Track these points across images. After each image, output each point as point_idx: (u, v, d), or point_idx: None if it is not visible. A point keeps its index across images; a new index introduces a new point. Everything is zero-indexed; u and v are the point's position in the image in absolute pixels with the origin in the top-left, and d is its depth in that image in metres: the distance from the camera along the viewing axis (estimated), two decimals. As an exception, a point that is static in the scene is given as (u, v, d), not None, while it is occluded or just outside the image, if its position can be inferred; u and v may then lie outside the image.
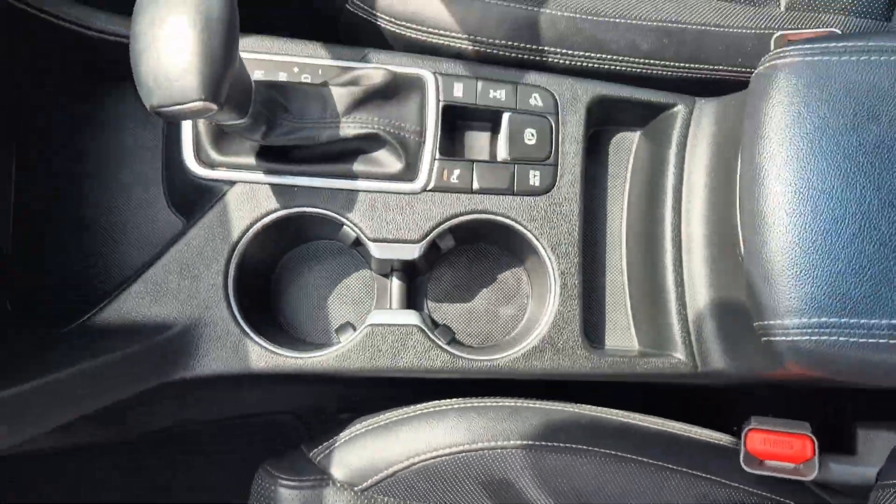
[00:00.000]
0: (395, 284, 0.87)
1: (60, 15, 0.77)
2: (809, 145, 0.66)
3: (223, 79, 0.59)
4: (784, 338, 0.66)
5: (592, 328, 0.93)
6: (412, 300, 0.90)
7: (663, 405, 0.98)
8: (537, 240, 0.85)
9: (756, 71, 0.73)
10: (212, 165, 0.80)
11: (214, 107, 0.59)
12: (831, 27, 0.97)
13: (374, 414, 0.86)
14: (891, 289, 0.63)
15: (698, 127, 0.88)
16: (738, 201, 0.73)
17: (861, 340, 0.64)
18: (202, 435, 1.23)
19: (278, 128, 0.75)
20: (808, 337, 0.65)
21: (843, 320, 0.64)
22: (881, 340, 0.63)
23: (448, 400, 0.85)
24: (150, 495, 1.21)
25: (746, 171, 0.71)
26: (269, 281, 0.90)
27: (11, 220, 0.84)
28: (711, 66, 0.91)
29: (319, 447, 0.83)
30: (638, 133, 0.95)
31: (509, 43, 0.87)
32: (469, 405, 0.84)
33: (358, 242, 0.83)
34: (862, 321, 0.64)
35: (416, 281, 0.91)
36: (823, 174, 0.65)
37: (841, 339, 0.64)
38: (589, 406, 0.86)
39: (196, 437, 1.23)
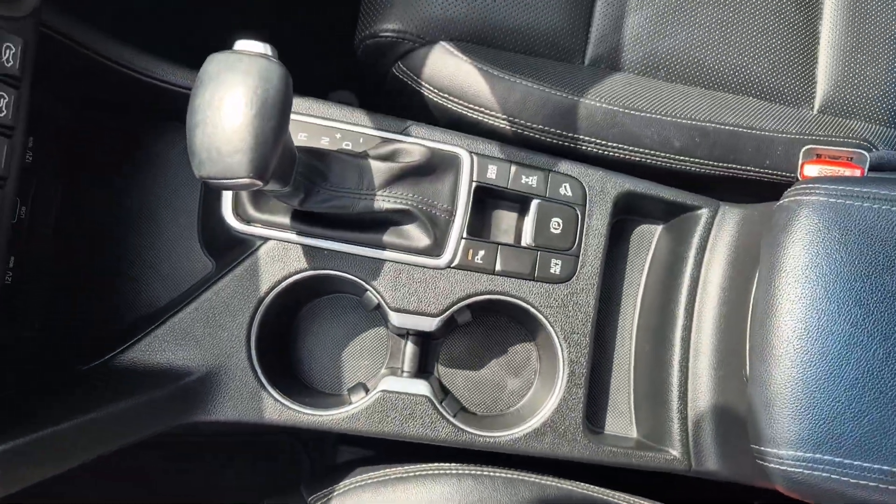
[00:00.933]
0: (409, 348, 0.89)
1: (129, 65, 0.80)
2: (823, 287, 0.68)
3: (271, 159, 0.62)
4: (778, 466, 0.69)
5: (594, 411, 0.95)
6: (424, 362, 0.93)
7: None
8: (551, 326, 0.87)
9: (780, 202, 0.75)
10: (248, 221, 0.83)
11: (260, 183, 0.62)
12: (860, 135, 0.99)
13: (374, 466, 0.88)
14: (885, 436, 0.66)
15: (719, 232, 0.90)
16: (749, 326, 0.75)
17: (852, 481, 0.66)
18: (204, 447, 1.26)
19: (316, 195, 0.78)
20: (801, 469, 0.67)
21: (836, 459, 0.66)
22: (871, 483, 0.66)
23: (448, 464, 0.87)
24: (145, 497, 1.23)
25: (761, 301, 0.73)
26: (290, 327, 0.93)
27: (52, 245, 0.87)
28: (740, 167, 0.93)
29: (318, 493, 0.86)
30: (660, 227, 0.97)
31: (546, 128, 0.89)
32: (467, 472, 0.86)
33: (379, 307, 0.86)
34: (855, 462, 0.66)
35: (429, 344, 0.94)
36: (833, 317, 0.67)
37: (833, 476, 0.67)
38: (582, 483, 0.88)
39: (199, 448, 1.26)
